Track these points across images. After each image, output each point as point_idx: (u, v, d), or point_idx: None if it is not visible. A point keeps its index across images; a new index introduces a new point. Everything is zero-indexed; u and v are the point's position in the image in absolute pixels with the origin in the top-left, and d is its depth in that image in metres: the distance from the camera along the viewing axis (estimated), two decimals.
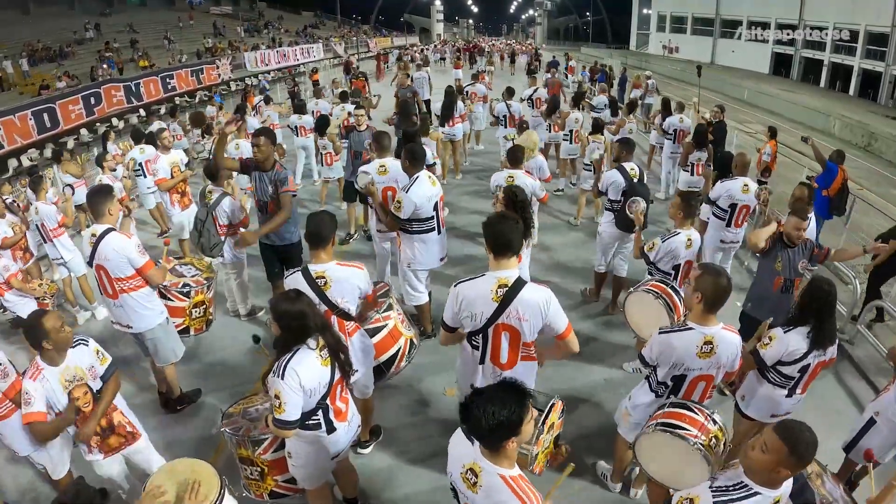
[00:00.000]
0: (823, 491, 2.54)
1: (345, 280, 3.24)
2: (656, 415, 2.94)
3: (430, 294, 5.22)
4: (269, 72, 25.55)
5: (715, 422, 2.83)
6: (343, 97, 10.46)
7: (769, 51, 34.21)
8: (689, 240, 4.34)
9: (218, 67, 22.29)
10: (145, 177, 7.42)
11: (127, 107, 16.87)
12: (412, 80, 12.17)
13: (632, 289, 4.30)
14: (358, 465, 3.59)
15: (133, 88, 17.16)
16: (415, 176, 4.59)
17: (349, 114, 8.67)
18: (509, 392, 1.99)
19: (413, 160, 4.62)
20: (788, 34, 32.31)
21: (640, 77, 15.50)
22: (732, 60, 36.65)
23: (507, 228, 2.81)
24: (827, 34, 29.02)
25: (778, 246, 4.11)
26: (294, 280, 3.23)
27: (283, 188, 4.73)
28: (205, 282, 4.49)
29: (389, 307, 3.89)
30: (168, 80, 19.00)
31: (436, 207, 4.67)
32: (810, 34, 30.59)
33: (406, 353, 3.89)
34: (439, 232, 4.80)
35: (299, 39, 36.68)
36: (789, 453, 1.97)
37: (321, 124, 8.18)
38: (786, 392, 3.28)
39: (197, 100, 20.04)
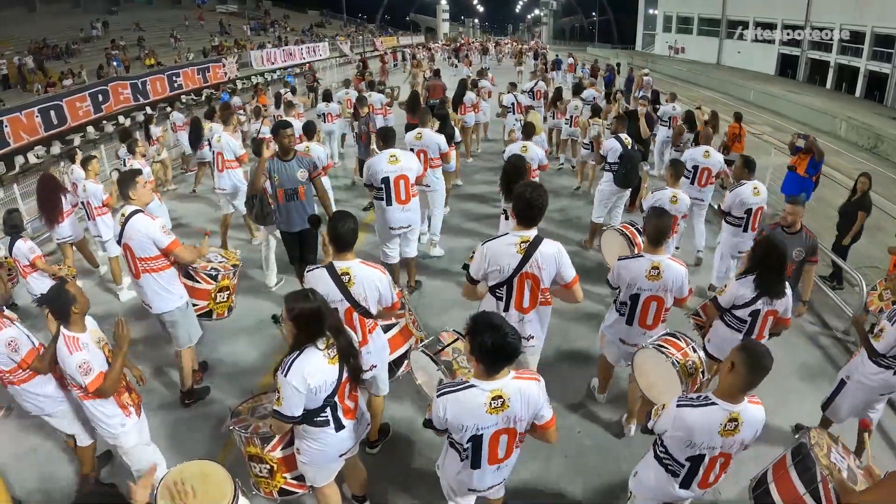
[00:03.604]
0: (826, 461, 2.66)
1: (367, 279, 3.27)
2: (653, 338, 3.52)
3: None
4: (274, 70, 25.62)
5: (695, 350, 3.39)
6: (371, 86, 11.71)
7: (775, 52, 34.07)
8: (674, 196, 5.39)
9: (224, 66, 22.36)
10: None
11: (134, 104, 16.95)
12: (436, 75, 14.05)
13: (604, 227, 5.46)
14: (367, 463, 3.60)
15: (140, 86, 17.25)
16: (382, 151, 5.41)
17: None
18: (486, 321, 2.38)
19: (383, 139, 5.51)
20: (788, 34, 32.28)
21: (639, 75, 16.17)
22: (738, 61, 36.52)
23: (536, 203, 3.24)
24: (833, 35, 28.92)
25: (776, 232, 4.54)
26: (319, 275, 3.25)
27: (316, 172, 5.27)
28: (231, 268, 4.62)
29: (402, 306, 3.96)
30: (174, 78, 19.08)
31: (386, 182, 5.29)
32: (811, 34, 30.53)
33: None
34: (389, 203, 5.38)
35: (305, 38, 36.75)
36: (740, 349, 2.49)
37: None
38: (741, 335, 3.70)
39: (203, 97, 20.09)
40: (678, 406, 2.57)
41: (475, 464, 2.58)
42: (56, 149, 13.92)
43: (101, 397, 3.14)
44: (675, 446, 2.61)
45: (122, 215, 3.93)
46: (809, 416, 4.25)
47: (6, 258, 5.46)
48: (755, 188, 5.51)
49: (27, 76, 20.06)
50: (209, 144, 7.40)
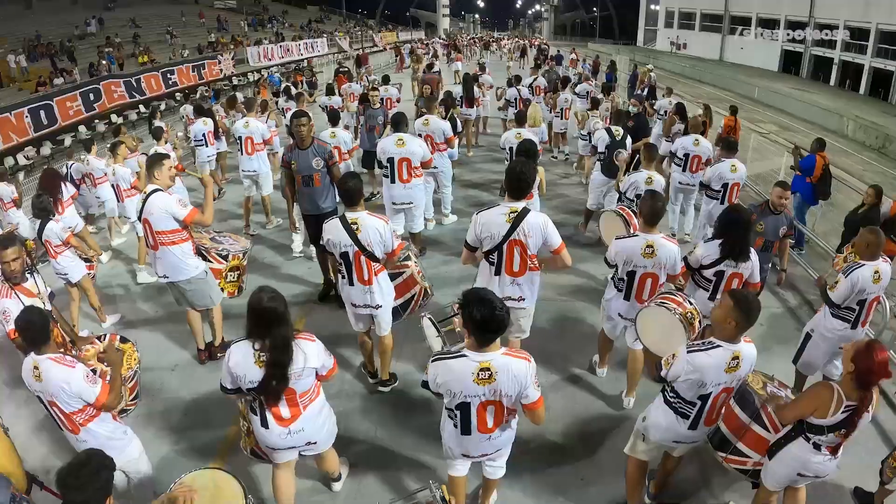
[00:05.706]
0: (763, 393, 3.11)
1: (371, 227, 3.85)
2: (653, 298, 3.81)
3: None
4: (270, 67, 25.25)
5: (691, 303, 3.64)
6: (385, 80, 12.15)
7: (779, 48, 33.76)
8: (649, 177, 5.74)
9: (220, 62, 22.02)
10: (207, 146, 8.29)
11: (128, 101, 16.64)
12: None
13: (603, 209, 6.00)
14: (370, 443, 4.00)
15: (134, 84, 16.94)
16: (392, 134, 6.14)
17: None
18: (476, 295, 2.54)
19: (394, 124, 6.23)
20: (789, 33, 32.01)
21: (644, 71, 16.21)
22: (741, 57, 36.24)
23: (523, 178, 3.64)
24: (837, 32, 28.59)
25: (763, 213, 5.01)
26: (334, 224, 3.89)
27: (332, 161, 5.49)
28: (241, 249, 5.03)
29: (407, 258, 4.50)
30: (169, 75, 18.76)
31: (391, 162, 6.02)
32: (814, 32, 30.22)
33: (420, 299, 4.56)
34: (392, 181, 6.14)
35: (304, 34, 36.37)
36: (734, 306, 2.78)
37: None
38: (708, 294, 4.10)
39: (199, 95, 19.75)
40: (689, 352, 2.89)
41: (465, 430, 2.77)
42: (46, 149, 13.65)
43: (108, 410, 2.96)
44: (688, 389, 2.95)
45: (144, 193, 4.28)
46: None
47: (26, 240, 5.52)
48: (733, 165, 6.20)
49: (9, 75, 19.74)
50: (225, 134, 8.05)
